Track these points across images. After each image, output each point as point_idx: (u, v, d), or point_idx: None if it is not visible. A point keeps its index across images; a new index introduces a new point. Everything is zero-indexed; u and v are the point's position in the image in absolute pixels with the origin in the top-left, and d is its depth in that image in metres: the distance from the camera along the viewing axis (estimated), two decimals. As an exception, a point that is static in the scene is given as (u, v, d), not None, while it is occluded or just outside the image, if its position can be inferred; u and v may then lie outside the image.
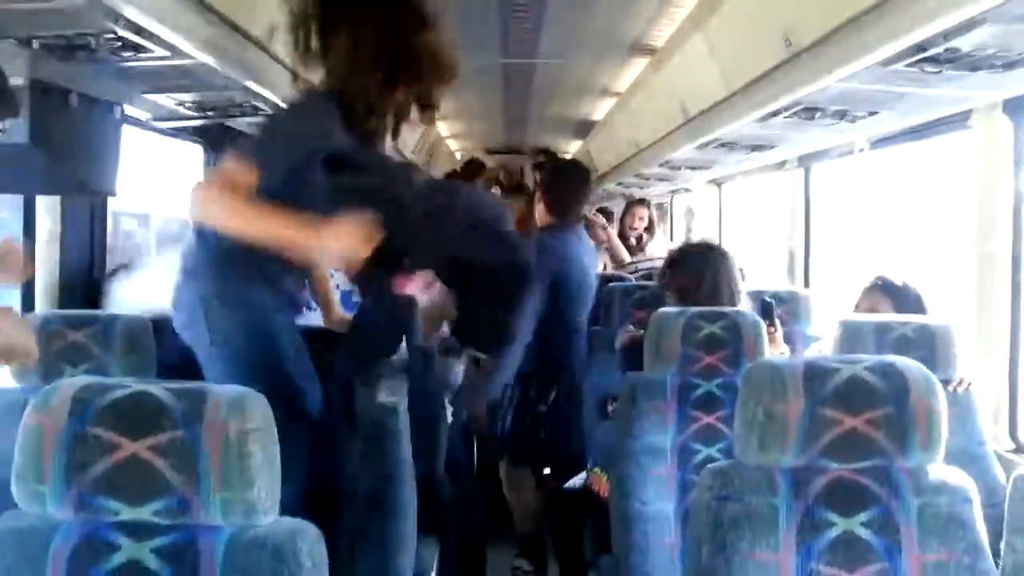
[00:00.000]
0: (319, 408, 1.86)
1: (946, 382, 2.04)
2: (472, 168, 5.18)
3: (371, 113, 1.77)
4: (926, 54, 1.74)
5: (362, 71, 1.74)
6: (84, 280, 2.42)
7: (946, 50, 1.70)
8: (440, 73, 1.82)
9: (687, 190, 5.41)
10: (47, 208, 2.34)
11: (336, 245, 1.62)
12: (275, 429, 1.14)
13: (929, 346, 2.08)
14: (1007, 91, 2.13)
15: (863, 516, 1.30)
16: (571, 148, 6.66)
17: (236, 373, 1.70)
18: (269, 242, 1.63)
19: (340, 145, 1.75)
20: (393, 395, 2.04)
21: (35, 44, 1.74)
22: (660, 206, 6.04)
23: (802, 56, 2.12)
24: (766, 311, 2.34)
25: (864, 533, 1.30)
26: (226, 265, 1.74)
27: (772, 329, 2.30)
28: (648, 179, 5.11)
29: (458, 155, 6.99)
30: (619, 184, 5.78)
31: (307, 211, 1.64)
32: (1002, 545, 1.33)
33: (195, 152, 3.18)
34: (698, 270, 2.30)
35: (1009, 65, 1.81)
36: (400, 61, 1.77)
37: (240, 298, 1.75)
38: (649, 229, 4.72)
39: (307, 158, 1.71)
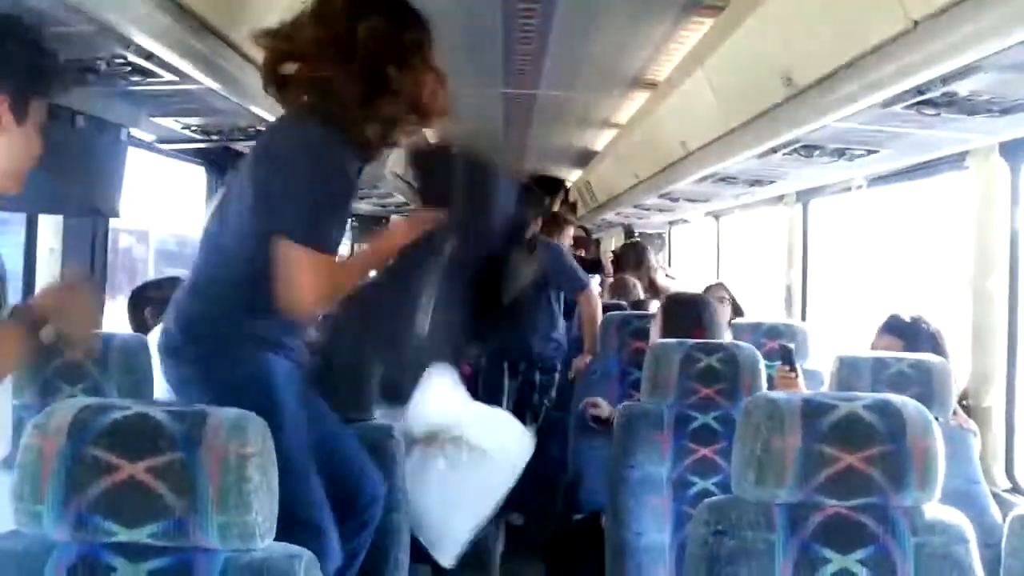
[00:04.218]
0: None
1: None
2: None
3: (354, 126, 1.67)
4: (924, 97, 1.76)
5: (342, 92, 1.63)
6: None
7: (944, 94, 1.73)
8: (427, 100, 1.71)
9: (685, 221, 5.44)
10: (48, 226, 2.35)
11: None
12: (274, 453, 1.14)
13: (926, 383, 2.08)
14: (1003, 134, 2.16)
15: (859, 554, 1.30)
16: (571, 177, 6.70)
17: None
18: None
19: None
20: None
21: (46, 66, 1.76)
22: (660, 236, 6.11)
23: (802, 95, 2.15)
24: (786, 357, 2.36)
25: (860, 571, 1.30)
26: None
27: (793, 374, 2.33)
28: (647, 210, 5.14)
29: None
30: (617, 214, 5.81)
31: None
32: (998, 586, 1.33)
33: (196, 171, 3.21)
34: (697, 315, 2.35)
35: (1005, 110, 1.85)
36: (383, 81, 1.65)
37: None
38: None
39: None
